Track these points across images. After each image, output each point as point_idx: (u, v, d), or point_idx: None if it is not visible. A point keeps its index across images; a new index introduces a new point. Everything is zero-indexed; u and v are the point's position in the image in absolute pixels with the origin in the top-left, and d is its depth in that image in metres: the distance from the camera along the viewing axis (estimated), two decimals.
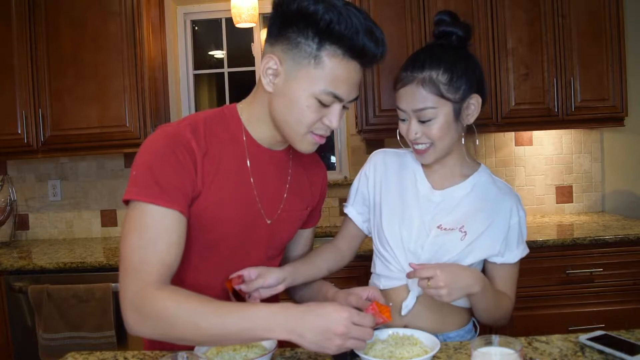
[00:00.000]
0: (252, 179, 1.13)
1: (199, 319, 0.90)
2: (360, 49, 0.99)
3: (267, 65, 1.03)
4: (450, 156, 1.23)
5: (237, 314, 0.91)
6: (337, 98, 1.01)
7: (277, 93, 1.04)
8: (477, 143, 1.25)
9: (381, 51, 1.02)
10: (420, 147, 1.18)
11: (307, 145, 1.08)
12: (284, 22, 1.01)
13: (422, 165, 1.26)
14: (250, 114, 1.13)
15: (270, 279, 1.12)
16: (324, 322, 0.88)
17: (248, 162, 1.12)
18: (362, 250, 2.35)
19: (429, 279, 1.07)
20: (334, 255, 1.35)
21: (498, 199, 1.22)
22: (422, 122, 1.15)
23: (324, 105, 1.02)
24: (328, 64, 0.99)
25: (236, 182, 1.11)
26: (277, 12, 1.02)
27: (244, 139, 1.13)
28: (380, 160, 1.33)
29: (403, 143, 1.25)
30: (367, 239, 1.41)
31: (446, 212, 1.21)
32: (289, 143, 1.13)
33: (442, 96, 1.13)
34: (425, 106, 1.13)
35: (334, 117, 1.04)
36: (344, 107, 1.05)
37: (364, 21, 0.98)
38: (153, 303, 0.93)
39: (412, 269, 1.10)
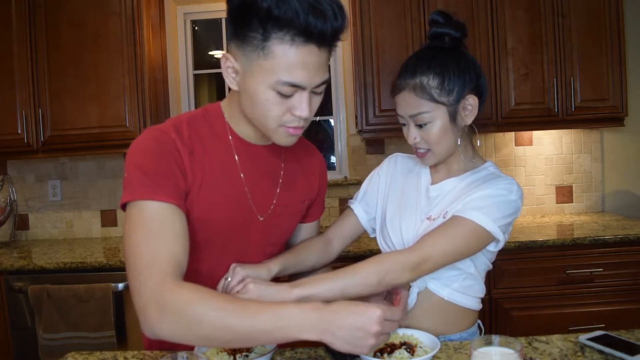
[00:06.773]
0: (242, 175, 1.12)
1: (227, 317, 0.86)
2: (304, 29, 0.91)
3: (225, 65, 1.02)
4: (452, 156, 1.22)
5: (268, 312, 0.86)
6: (297, 86, 0.96)
7: (241, 90, 1.02)
8: (479, 144, 1.23)
9: (331, 26, 0.93)
10: (420, 150, 1.20)
11: (283, 138, 1.04)
12: (232, 19, 0.99)
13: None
14: (231, 112, 1.12)
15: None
16: (359, 320, 0.86)
17: (236, 157, 1.11)
18: (361, 250, 2.37)
19: None
20: (324, 251, 1.33)
21: (483, 181, 1.17)
22: (420, 126, 1.16)
23: (285, 96, 0.97)
24: (278, 52, 0.93)
25: (225, 179, 1.10)
26: (227, 10, 1.00)
27: (230, 137, 1.12)
28: (393, 162, 1.37)
29: None
30: (366, 238, 1.41)
31: (435, 203, 1.21)
32: None
33: (435, 101, 1.13)
34: (420, 111, 1.14)
35: (302, 106, 0.98)
36: (313, 93, 0.99)
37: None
38: (175, 296, 0.87)
39: None
